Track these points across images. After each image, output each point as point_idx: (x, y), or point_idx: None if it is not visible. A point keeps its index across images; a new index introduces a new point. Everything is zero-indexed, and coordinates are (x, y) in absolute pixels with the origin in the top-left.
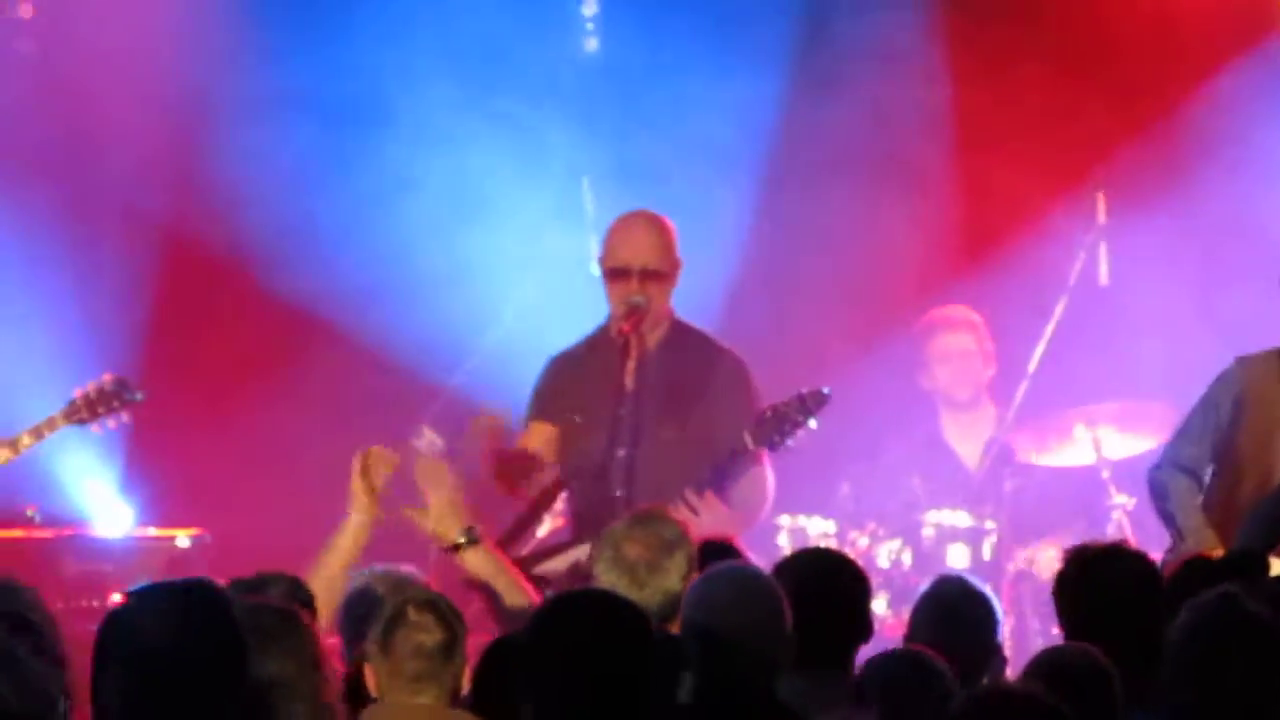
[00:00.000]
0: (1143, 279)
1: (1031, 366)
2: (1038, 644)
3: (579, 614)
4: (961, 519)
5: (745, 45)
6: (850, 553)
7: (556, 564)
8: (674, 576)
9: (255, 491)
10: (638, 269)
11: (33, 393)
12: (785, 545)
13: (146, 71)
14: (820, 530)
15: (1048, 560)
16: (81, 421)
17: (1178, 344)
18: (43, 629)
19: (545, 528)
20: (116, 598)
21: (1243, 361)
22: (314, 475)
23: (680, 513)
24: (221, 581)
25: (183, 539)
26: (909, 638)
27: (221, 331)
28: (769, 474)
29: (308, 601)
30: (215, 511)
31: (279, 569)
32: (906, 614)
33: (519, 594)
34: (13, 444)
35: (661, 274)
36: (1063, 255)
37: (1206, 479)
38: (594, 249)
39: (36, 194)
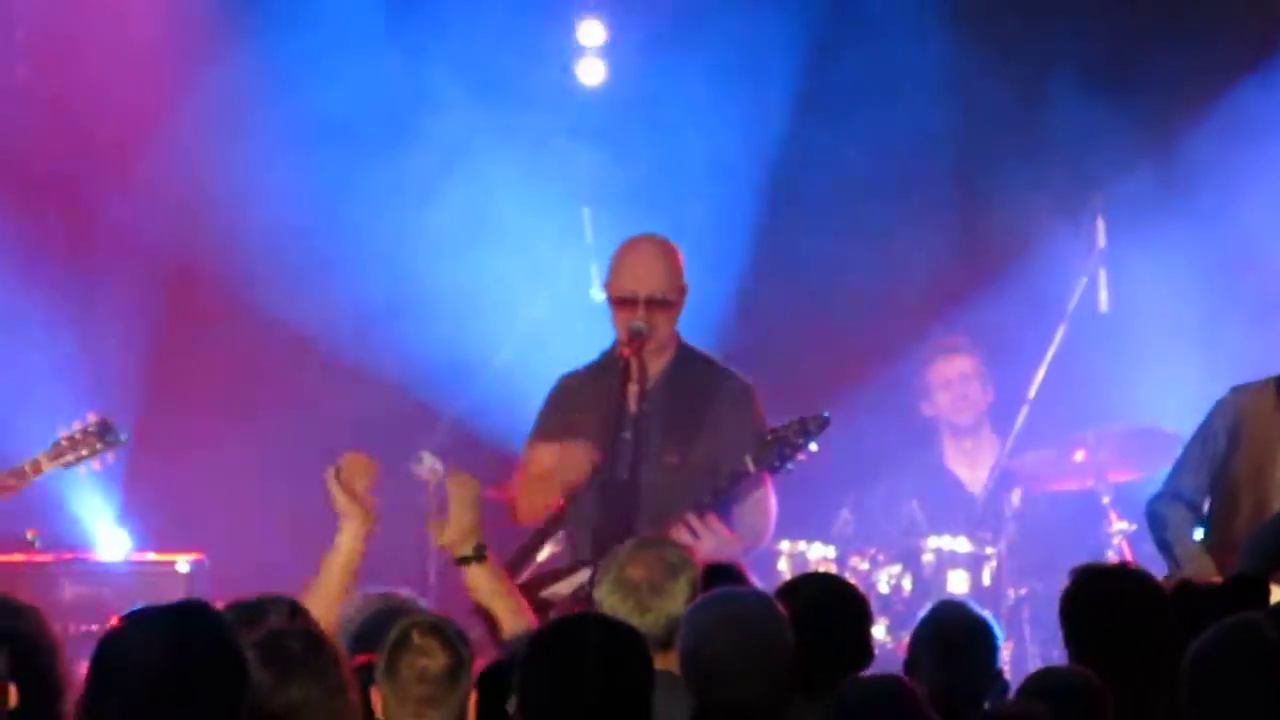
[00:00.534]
0: (1143, 304)
1: (1032, 392)
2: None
3: (576, 637)
4: (962, 544)
5: (749, 70)
6: (850, 578)
7: (560, 588)
8: (678, 600)
9: (254, 516)
10: (644, 297)
11: (29, 418)
12: (785, 570)
13: (146, 96)
14: (820, 555)
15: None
16: (67, 464)
17: (1178, 369)
18: (41, 652)
19: (545, 552)
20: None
21: (1238, 390)
22: (313, 500)
23: (681, 535)
24: (221, 606)
25: (182, 564)
26: (909, 664)
27: (221, 356)
28: (772, 497)
29: (308, 625)
30: (214, 536)
31: (278, 593)
32: (906, 639)
33: (520, 617)
34: None
35: (669, 302)
36: (1063, 281)
37: (1205, 509)
38: (595, 275)
39: (34, 221)
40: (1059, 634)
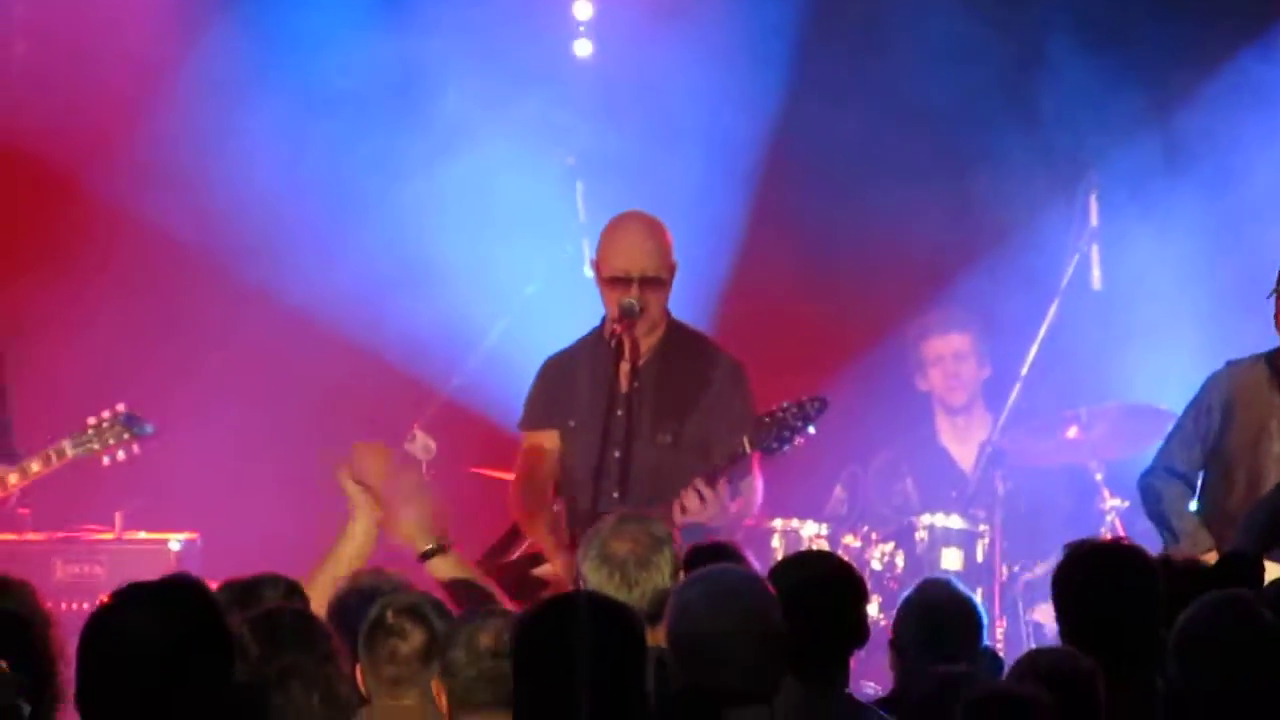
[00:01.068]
0: (1135, 282)
1: (1025, 369)
2: (1031, 646)
3: (569, 615)
4: (954, 522)
5: (743, 43)
6: (843, 556)
7: (547, 569)
8: (664, 573)
9: (248, 495)
10: (636, 276)
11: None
12: (779, 548)
13: (141, 69)
14: (814, 533)
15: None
16: (91, 452)
17: (1170, 346)
18: (33, 627)
19: None
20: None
21: (1232, 365)
22: (307, 478)
23: (691, 500)
24: (214, 584)
25: (175, 542)
26: (894, 641)
27: (214, 333)
28: (759, 479)
29: (303, 603)
30: (207, 515)
31: (272, 571)
32: None
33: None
34: (22, 470)
35: (660, 280)
36: (1056, 257)
37: (1198, 483)
38: (588, 253)
39: (28, 195)
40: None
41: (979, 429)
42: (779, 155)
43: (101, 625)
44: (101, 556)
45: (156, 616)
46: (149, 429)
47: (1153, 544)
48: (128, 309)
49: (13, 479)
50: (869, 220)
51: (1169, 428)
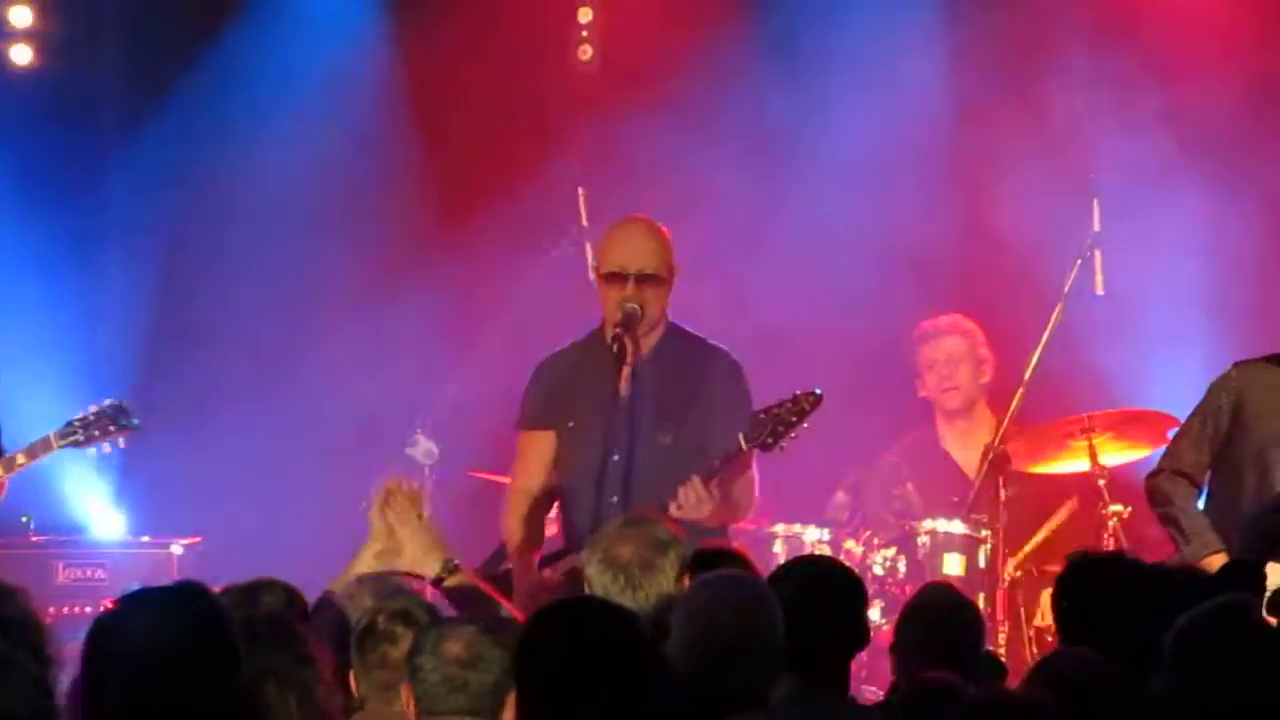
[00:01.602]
0: (1138, 287)
1: (1027, 374)
2: (1034, 651)
3: (572, 620)
4: (956, 527)
5: (744, 48)
6: (844, 561)
7: (553, 572)
8: (669, 576)
9: (249, 499)
10: (634, 273)
11: (25, 402)
12: (780, 553)
13: (147, 80)
14: (815, 538)
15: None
16: (76, 444)
17: (1173, 351)
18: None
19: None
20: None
21: (1241, 366)
22: (308, 482)
23: (688, 496)
24: (216, 589)
25: (176, 546)
26: (895, 647)
27: (216, 339)
28: (755, 476)
29: (302, 609)
30: (209, 519)
31: (272, 576)
32: None
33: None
34: (8, 463)
35: (659, 278)
36: (1058, 263)
37: (1205, 484)
38: (590, 258)
39: (36, 207)
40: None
41: (982, 433)
42: (781, 159)
43: (107, 629)
44: (104, 560)
45: (162, 621)
46: (135, 422)
47: (1156, 548)
48: (131, 316)
49: None
50: (872, 224)
51: (1175, 430)
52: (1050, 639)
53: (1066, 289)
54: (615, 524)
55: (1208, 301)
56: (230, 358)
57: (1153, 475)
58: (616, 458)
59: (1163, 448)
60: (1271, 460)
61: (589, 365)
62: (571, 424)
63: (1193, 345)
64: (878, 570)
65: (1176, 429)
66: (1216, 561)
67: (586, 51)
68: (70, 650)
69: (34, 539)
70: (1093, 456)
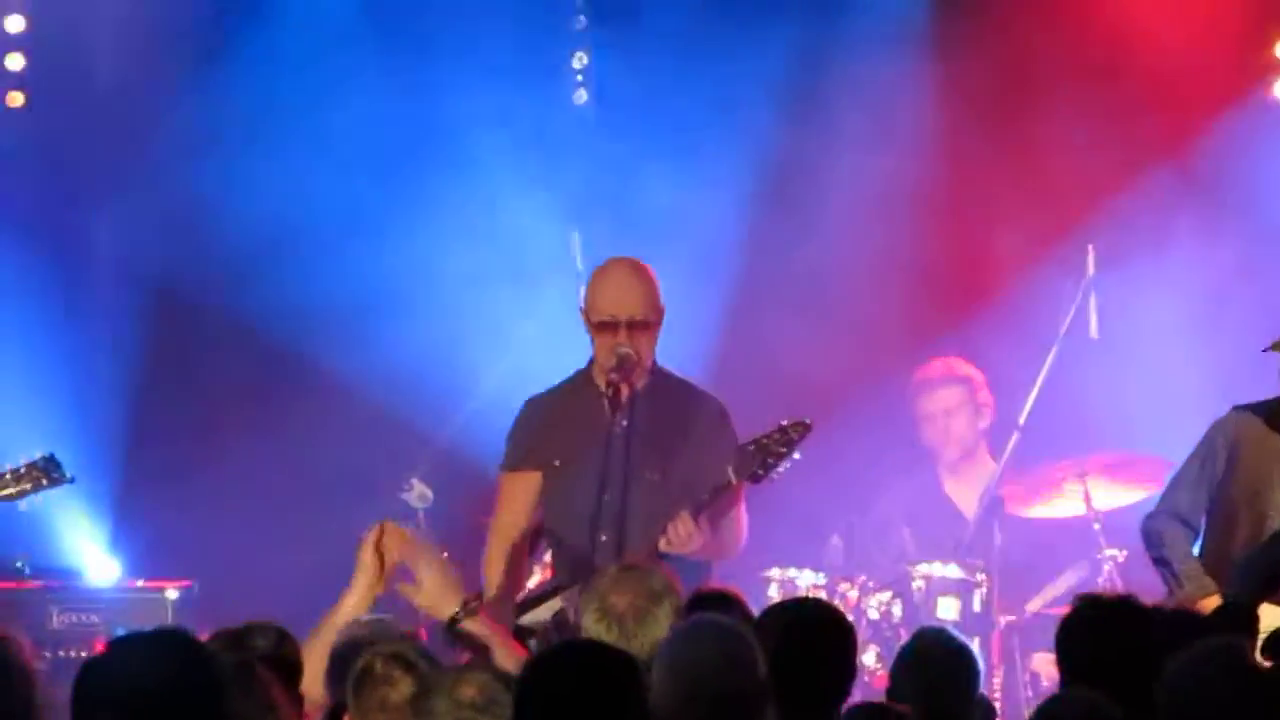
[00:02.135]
0: (1133, 331)
1: (1022, 418)
2: (1028, 695)
3: (567, 666)
4: (952, 571)
5: (734, 90)
6: (839, 605)
7: (540, 614)
8: (662, 625)
9: (243, 544)
10: (624, 320)
11: (13, 441)
12: (775, 597)
13: (134, 110)
14: (810, 582)
15: (1041, 607)
16: (8, 498)
17: (1168, 395)
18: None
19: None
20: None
21: (1238, 410)
22: (304, 528)
23: (678, 531)
24: (206, 634)
25: (171, 590)
26: (890, 691)
27: (211, 383)
28: (743, 512)
29: (293, 652)
30: (203, 563)
31: (264, 619)
32: None
33: (511, 659)
34: None
35: (648, 323)
36: (1053, 307)
37: (1201, 527)
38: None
39: (24, 243)
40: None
41: (982, 476)
42: (775, 199)
43: (93, 673)
44: (98, 605)
45: (149, 664)
46: (69, 476)
47: (1151, 592)
48: (124, 360)
49: None
50: (866, 266)
51: (1172, 473)
52: (1046, 684)
53: (1062, 333)
54: (610, 572)
55: (1202, 345)
56: (223, 402)
57: (1149, 518)
58: (608, 496)
59: (1158, 491)
60: (1266, 503)
61: (576, 406)
62: (558, 463)
63: (1188, 389)
64: (873, 614)
65: (1172, 472)
66: (1210, 604)
67: (581, 96)
68: (64, 695)
69: (28, 583)
70: (1088, 500)
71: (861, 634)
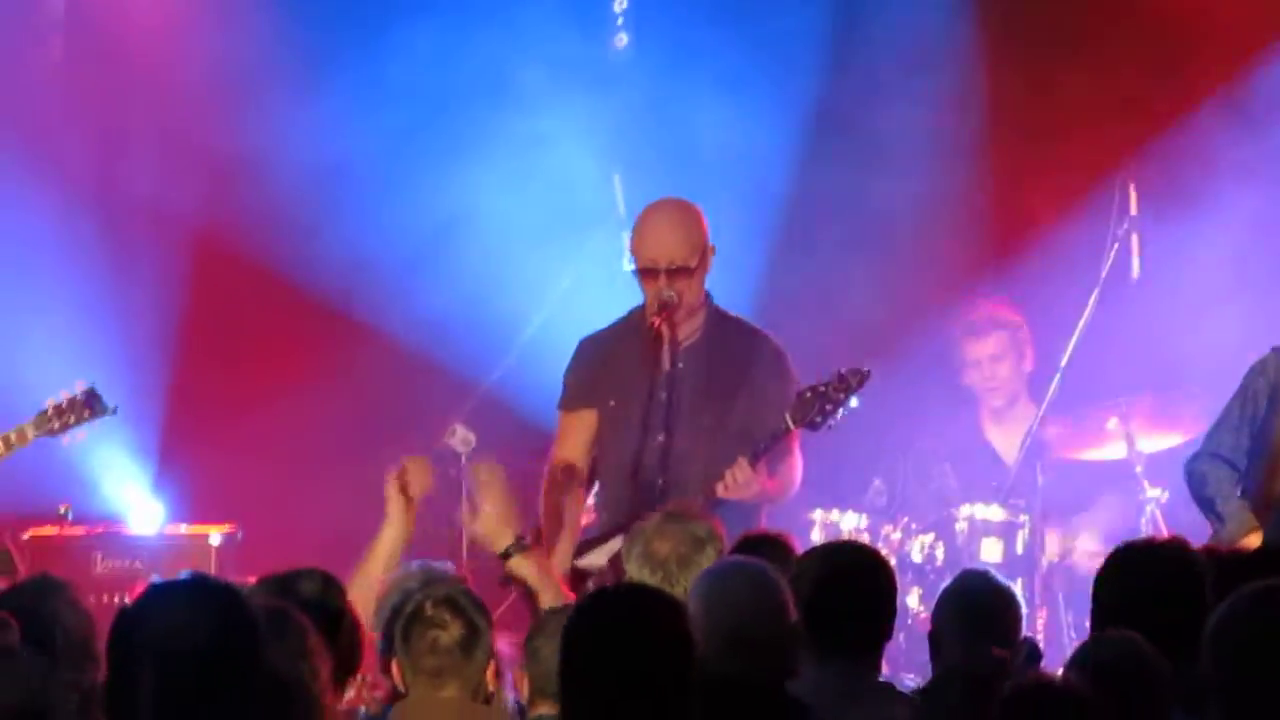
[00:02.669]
0: (1175, 271)
1: (1064, 361)
2: (1071, 637)
3: (617, 609)
4: (995, 513)
5: (777, 33)
6: (883, 547)
7: (595, 557)
8: None
9: (287, 488)
10: (664, 267)
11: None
12: (819, 540)
13: (177, 61)
14: (853, 525)
15: (1083, 547)
16: (51, 432)
17: (1210, 337)
18: (72, 625)
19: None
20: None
21: (1278, 350)
22: (346, 472)
23: (737, 475)
24: (254, 579)
25: (214, 536)
26: (933, 635)
27: (254, 328)
28: (797, 457)
29: (339, 598)
30: (247, 508)
31: (311, 564)
32: None
33: (561, 599)
34: None
35: (689, 269)
36: (1095, 248)
37: (1244, 468)
38: (627, 243)
39: (69, 190)
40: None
41: (1023, 420)
42: (820, 141)
43: (129, 621)
44: (141, 550)
45: (184, 612)
46: (111, 407)
47: (1193, 534)
48: (168, 304)
49: None
50: (909, 208)
51: (1215, 415)
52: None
53: (1103, 274)
54: (654, 519)
55: (1245, 286)
56: (268, 344)
57: (1192, 460)
58: (660, 439)
59: (1200, 433)
60: None
61: (630, 346)
62: (613, 404)
63: (1230, 330)
64: (916, 557)
65: (1216, 416)
66: (1254, 540)
67: (622, 39)
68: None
69: (71, 529)
70: (1130, 443)
71: (904, 576)
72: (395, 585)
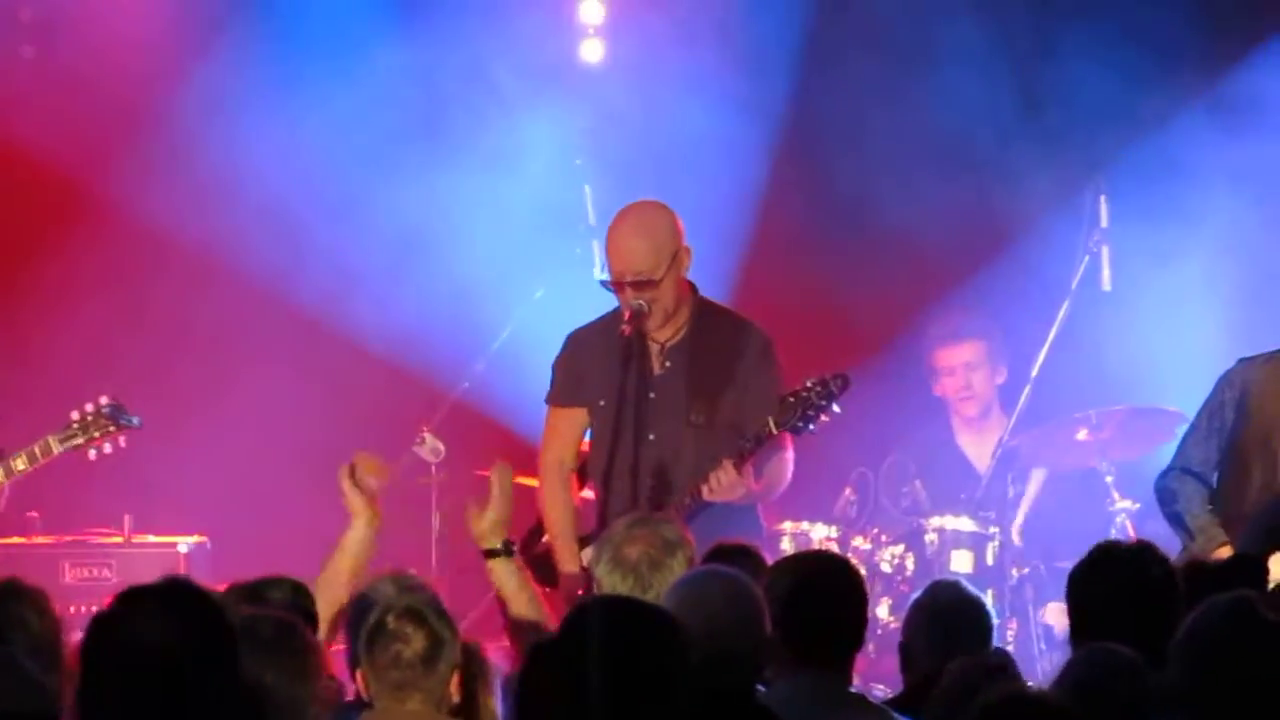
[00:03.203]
0: (1145, 283)
1: (1035, 371)
2: (1042, 648)
3: (609, 619)
4: (965, 524)
5: (752, 46)
6: (852, 558)
7: (585, 554)
8: (677, 575)
9: (256, 497)
10: (629, 279)
11: (22, 398)
12: (789, 550)
13: (155, 74)
14: (823, 535)
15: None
16: (76, 447)
17: (1180, 347)
18: (36, 629)
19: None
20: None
21: (1244, 362)
22: (316, 481)
23: (722, 475)
24: (221, 586)
25: (183, 544)
26: (904, 645)
27: (223, 334)
28: (789, 450)
29: (309, 606)
30: (216, 517)
31: (279, 573)
32: None
33: (536, 609)
34: (6, 468)
35: (654, 280)
36: (1065, 259)
37: (1214, 482)
38: (598, 254)
39: (32, 192)
40: (1063, 613)
41: (995, 430)
42: (787, 157)
43: (105, 629)
44: (110, 559)
45: (161, 618)
46: (135, 420)
47: (1164, 545)
48: (137, 311)
49: None
50: (878, 221)
51: (1183, 428)
52: (1059, 635)
53: (1074, 285)
54: (621, 524)
55: (1215, 298)
56: (235, 357)
57: (1161, 477)
58: (651, 438)
59: (1171, 444)
60: (1278, 455)
61: (610, 340)
62: (602, 403)
63: (1199, 342)
64: (886, 568)
65: (1186, 425)
66: (1224, 553)
67: (593, 47)
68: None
69: (40, 538)
70: (1101, 453)
71: (874, 587)
72: (364, 594)
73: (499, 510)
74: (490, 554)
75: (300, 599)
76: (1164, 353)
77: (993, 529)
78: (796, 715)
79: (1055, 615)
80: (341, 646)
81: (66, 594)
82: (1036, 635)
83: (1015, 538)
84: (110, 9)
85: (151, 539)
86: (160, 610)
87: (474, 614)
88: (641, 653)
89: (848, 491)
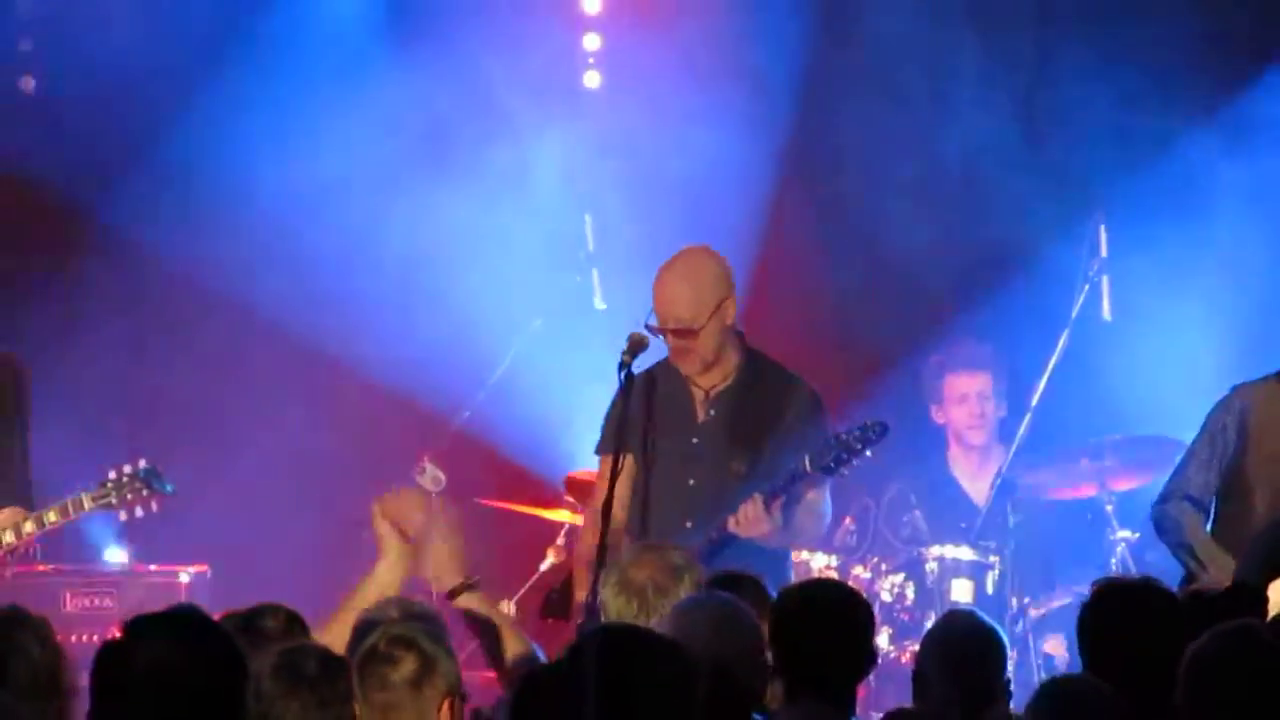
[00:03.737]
0: (1146, 313)
1: (1035, 400)
2: (1041, 678)
3: (614, 648)
4: (964, 553)
5: (750, 72)
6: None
7: None
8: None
9: (257, 528)
10: (670, 326)
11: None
12: (790, 579)
13: (149, 98)
14: (823, 564)
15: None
16: (109, 506)
17: (1181, 377)
18: (37, 658)
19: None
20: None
21: (1241, 387)
22: (317, 512)
23: (750, 511)
24: (217, 614)
25: (184, 574)
26: (917, 674)
27: (223, 367)
28: (827, 500)
29: (303, 635)
30: (217, 548)
31: (273, 602)
32: (910, 648)
33: (514, 640)
34: (38, 519)
35: (693, 330)
36: (1066, 289)
37: (1212, 508)
38: (597, 283)
39: (38, 225)
40: (1062, 643)
41: (992, 461)
42: (787, 187)
43: (115, 656)
44: (111, 589)
45: (170, 645)
46: (169, 488)
47: (1164, 576)
48: (138, 340)
49: (28, 527)
50: (877, 250)
51: (1181, 455)
52: (1059, 665)
53: (1074, 315)
54: (631, 549)
55: (1215, 327)
56: (235, 385)
57: (1158, 504)
58: (691, 483)
59: (1169, 473)
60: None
61: (667, 391)
62: (648, 449)
63: (1200, 371)
64: (886, 597)
65: (1183, 453)
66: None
67: (593, 78)
68: (80, 679)
69: (41, 567)
70: (1100, 482)
71: (873, 613)
72: (368, 619)
73: (441, 548)
74: (451, 595)
75: (294, 628)
76: (1165, 382)
77: (993, 558)
78: None
79: (1055, 647)
80: None
81: (68, 623)
82: (1036, 665)
83: (1014, 567)
84: (112, 39)
85: (153, 568)
86: (169, 637)
87: (475, 644)
88: (639, 684)
89: (847, 521)
